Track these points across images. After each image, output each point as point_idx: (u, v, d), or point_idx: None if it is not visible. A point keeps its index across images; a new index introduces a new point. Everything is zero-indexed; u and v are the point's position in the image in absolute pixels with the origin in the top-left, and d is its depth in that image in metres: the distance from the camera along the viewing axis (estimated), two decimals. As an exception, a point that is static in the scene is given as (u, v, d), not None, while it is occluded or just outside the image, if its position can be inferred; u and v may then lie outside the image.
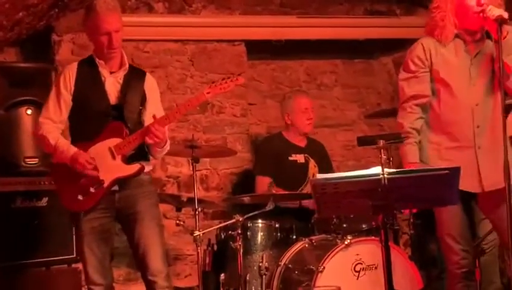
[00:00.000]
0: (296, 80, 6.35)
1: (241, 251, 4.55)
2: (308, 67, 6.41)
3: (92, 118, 3.95)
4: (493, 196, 3.68)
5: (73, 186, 3.88)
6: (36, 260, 4.73)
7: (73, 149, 3.89)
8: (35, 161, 4.85)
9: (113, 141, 3.91)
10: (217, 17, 5.91)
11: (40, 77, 5.02)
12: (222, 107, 5.87)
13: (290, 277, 4.50)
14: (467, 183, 3.37)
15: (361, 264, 4.30)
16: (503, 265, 4.53)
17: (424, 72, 3.83)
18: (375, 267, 4.27)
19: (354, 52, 6.42)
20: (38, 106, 4.79)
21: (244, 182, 5.78)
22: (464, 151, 3.73)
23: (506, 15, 3.53)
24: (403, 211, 4.41)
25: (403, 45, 5.58)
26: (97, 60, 3.99)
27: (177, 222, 4.73)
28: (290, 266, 4.52)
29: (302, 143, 5.52)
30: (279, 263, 4.56)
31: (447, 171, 3.20)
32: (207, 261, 4.81)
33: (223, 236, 4.81)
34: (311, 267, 4.33)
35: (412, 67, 3.86)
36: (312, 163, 5.46)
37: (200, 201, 4.74)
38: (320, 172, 5.37)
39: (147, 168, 4.04)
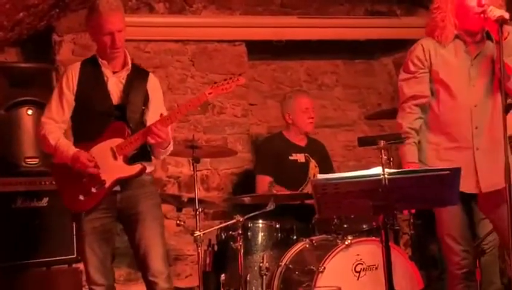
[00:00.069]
0: (296, 80, 6.35)
1: (242, 251, 4.55)
2: (309, 67, 6.42)
3: (94, 118, 3.95)
4: (493, 196, 3.68)
5: (75, 186, 3.88)
6: (37, 260, 4.73)
7: (74, 149, 3.88)
8: (36, 161, 4.86)
9: (115, 141, 3.90)
10: (217, 17, 5.91)
11: (41, 77, 5.02)
12: (223, 107, 5.87)
13: (290, 277, 4.50)
14: (464, 184, 3.38)
15: (362, 264, 4.31)
16: (503, 265, 4.53)
17: (423, 72, 3.83)
18: (376, 268, 4.27)
19: (355, 52, 6.43)
20: (39, 106, 4.81)
21: (244, 182, 5.78)
22: (462, 152, 3.73)
23: (507, 15, 3.53)
24: (403, 211, 4.42)
25: (403, 45, 5.59)
26: (100, 59, 3.98)
27: (178, 222, 4.73)
28: (290, 266, 4.52)
29: (302, 143, 5.53)
30: (280, 263, 4.56)
31: (447, 172, 3.21)
32: (207, 261, 4.81)
33: (223, 236, 4.81)
34: (312, 267, 4.33)
35: (412, 68, 3.86)
36: (313, 163, 5.46)
37: (201, 201, 4.74)
38: (320, 172, 5.37)
39: (149, 169, 4.04)
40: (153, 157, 4.10)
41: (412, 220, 5.19)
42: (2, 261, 4.59)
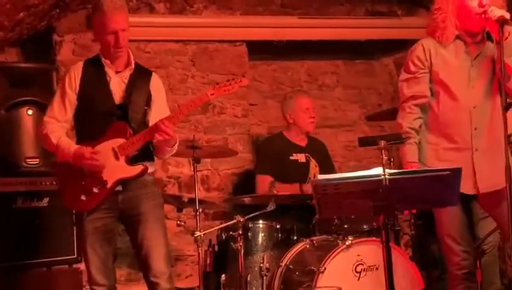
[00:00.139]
0: (297, 81, 6.35)
1: (242, 251, 4.55)
2: (309, 67, 6.42)
3: (96, 117, 3.94)
4: (493, 196, 3.68)
5: (77, 186, 3.88)
6: (37, 260, 4.73)
7: (75, 146, 3.88)
8: (36, 161, 4.86)
9: (117, 142, 3.90)
10: (218, 17, 5.91)
11: (41, 77, 5.03)
12: (223, 107, 5.87)
13: (291, 277, 4.49)
14: (462, 185, 3.37)
15: (362, 265, 4.30)
16: (503, 266, 4.53)
17: (423, 72, 3.83)
18: (376, 268, 4.27)
19: (355, 52, 6.43)
20: (39, 106, 4.81)
21: (245, 182, 5.78)
22: (461, 152, 3.74)
23: (507, 16, 3.53)
24: (404, 211, 4.41)
25: (404, 45, 5.59)
26: (103, 59, 3.98)
27: (178, 222, 4.73)
28: (291, 266, 4.51)
29: (303, 142, 5.53)
30: (280, 263, 4.56)
31: (448, 172, 3.21)
32: (208, 261, 4.81)
33: (223, 237, 4.81)
34: (312, 268, 4.33)
35: (412, 68, 3.86)
36: (313, 163, 5.46)
37: (201, 202, 4.74)
38: (321, 171, 5.37)
39: (151, 169, 4.03)
40: (155, 158, 4.09)
41: (412, 221, 5.19)
42: (2, 261, 4.59)
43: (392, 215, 3.36)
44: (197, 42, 5.83)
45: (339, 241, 4.42)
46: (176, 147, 4.06)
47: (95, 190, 3.86)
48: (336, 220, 4.56)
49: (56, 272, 4.82)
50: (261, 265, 4.61)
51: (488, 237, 4.06)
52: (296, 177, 5.35)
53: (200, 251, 4.56)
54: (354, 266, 4.29)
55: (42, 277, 4.76)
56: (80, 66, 4.02)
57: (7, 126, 4.84)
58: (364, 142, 3.66)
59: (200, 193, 4.80)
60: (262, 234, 4.78)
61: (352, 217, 4.53)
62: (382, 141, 3.34)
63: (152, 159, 4.08)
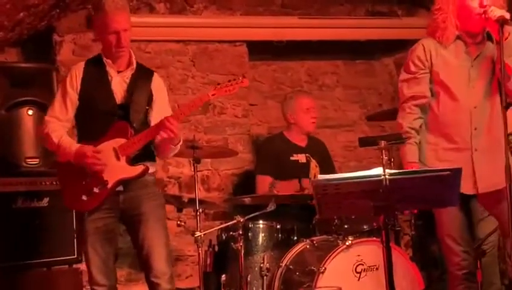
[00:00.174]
0: (297, 81, 6.35)
1: (242, 251, 4.54)
2: (310, 68, 6.41)
3: (98, 117, 3.94)
4: (493, 195, 3.69)
5: (78, 186, 3.88)
6: (37, 261, 4.72)
7: (76, 145, 3.88)
8: (36, 161, 4.85)
9: (118, 142, 3.89)
10: (218, 17, 5.91)
11: (41, 77, 5.02)
12: (223, 108, 5.87)
13: (291, 278, 4.49)
14: (462, 185, 3.38)
15: (363, 265, 4.30)
16: (503, 266, 4.52)
17: (423, 73, 3.83)
18: (377, 268, 4.26)
19: (355, 53, 6.42)
20: (40, 107, 4.81)
21: (245, 182, 5.78)
22: (461, 152, 3.74)
23: (507, 16, 3.53)
24: (404, 212, 4.42)
25: (404, 45, 5.58)
26: (105, 59, 3.98)
27: (178, 222, 4.73)
28: (291, 267, 4.51)
29: (303, 143, 5.52)
30: (280, 264, 4.55)
31: (448, 172, 3.21)
32: (208, 262, 4.81)
33: (224, 237, 4.81)
34: (312, 268, 4.33)
35: (412, 68, 3.86)
36: (313, 163, 5.45)
37: (201, 202, 4.73)
38: (322, 171, 5.36)
39: (152, 169, 4.02)
40: (156, 158, 4.09)
41: (412, 221, 5.19)
42: (2, 261, 4.59)
43: (392, 216, 3.36)
44: (197, 42, 5.83)
45: (339, 241, 4.41)
46: (179, 145, 4.05)
47: (96, 190, 3.86)
48: (336, 220, 4.56)
49: (56, 272, 4.81)
50: (261, 265, 4.61)
51: (488, 237, 4.05)
52: (296, 178, 5.33)
53: (200, 251, 4.56)
54: (354, 266, 4.29)
55: (42, 277, 4.76)
56: (81, 65, 4.02)
57: (7, 126, 4.84)
58: (364, 142, 3.67)
59: (200, 193, 4.80)
60: (263, 234, 4.78)
61: (353, 217, 4.53)
62: (382, 141, 3.34)
63: (153, 159, 4.07)
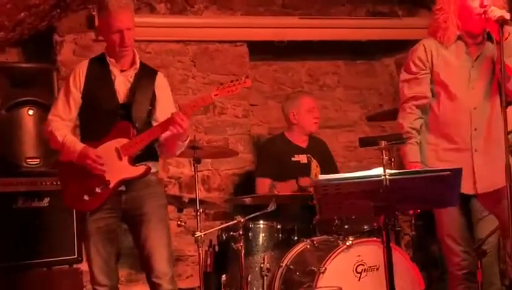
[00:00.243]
0: (298, 81, 6.35)
1: (243, 252, 4.54)
2: (310, 68, 6.41)
3: (100, 116, 3.93)
4: (493, 195, 3.69)
5: (79, 185, 3.87)
6: (37, 261, 4.72)
7: (81, 145, 3.87)
8: (37, 161, 4.85)
9: (120, 141, 3.88)
10: (219, 17, 5.91)
11: (42, 77, 5.02)
12: (224, 108, 5.87)
13: (291, 278, 4.49)
14: (461, 185, 3.38)
15: (363, 265, 4.30)
16: (504, 267, 4.52)
17: (424, 73, 3.83)
18: (377, 269, 4.27)
19: (356, 53, 6.43)
20: (40, 107, 4.81)
21: (245, 183, 5.77)
22: (460, 153, 3.74)
23: (507, 16, 3.53)
24: (405, 212, 4.41)
25: (405, 46, 5.58)
26: (108, 58, 3.96)
27: (179, 222, 4.72)
28: (291, 267, 4.51)
29: (304, 143, 5.52)
30: (281, 264, 4.56)
31: (448, 173, 3.21)
32: (208, 262, 4.81)
33: (224, 237, 4.81)
34: (313, 268, 4.33)
35: (413, 68, 3.86)
36: (314, 163, 5.45)
37: (202, 202, 4.74)
38: (323, 171, 5.36)
39: (154, 169, 4.02)
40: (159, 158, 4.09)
41: (413, 221, 5.18)
42: (2, 261, 4.59)
43: (392, 216, 3.36)
44: (197, 42, 5.83)
45: (339, 241, 4.42)
46: (187, 142, 4.04)
47: (98, 190, 3.85)
48: (336, 221, 4.56)
49: (56, 272, 4.81)
50: (262, 265, 4.61)
51: (488, 238, 4.05)
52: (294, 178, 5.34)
53: (200, 251, 4.56)
54: (355, 266, 4.29)
55: (42, 277, 4.76)
56: (84, 64, 4.01)
57: (8, 126, 4.84)
58: (365, 142, 3.67)
59: (200, 193, 4.80)
60: (263, 235, 4.78)
61: (353, 217, 4.53)
62: (383, 142, 3.35)
63: (156, 159, 4.06)
